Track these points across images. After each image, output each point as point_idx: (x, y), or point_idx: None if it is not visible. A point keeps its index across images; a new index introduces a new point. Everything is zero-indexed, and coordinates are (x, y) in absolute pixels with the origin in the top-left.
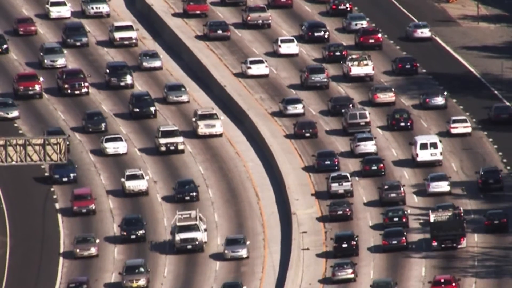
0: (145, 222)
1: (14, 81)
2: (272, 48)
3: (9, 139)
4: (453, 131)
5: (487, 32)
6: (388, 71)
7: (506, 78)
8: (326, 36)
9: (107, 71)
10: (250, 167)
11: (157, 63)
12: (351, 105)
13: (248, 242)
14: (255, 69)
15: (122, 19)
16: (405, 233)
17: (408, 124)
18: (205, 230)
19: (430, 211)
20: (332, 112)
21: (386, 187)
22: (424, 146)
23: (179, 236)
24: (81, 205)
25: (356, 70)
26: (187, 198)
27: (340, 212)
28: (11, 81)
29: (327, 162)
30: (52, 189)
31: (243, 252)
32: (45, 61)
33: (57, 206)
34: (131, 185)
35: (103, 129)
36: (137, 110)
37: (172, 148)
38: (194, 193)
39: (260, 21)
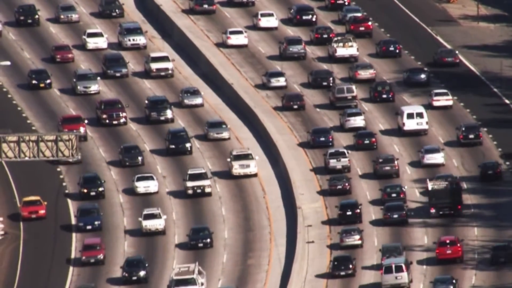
0: (147, 263)
1: (59, 123)
2: (252, 22)
3: (22, 135)
4: (435, 103)
5: (487, 31)
6: (372, 54)
7: (505, 76)
8: (314, 19)
9: (147, 104)
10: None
11: (198, 101)
12: (331, 79)
13: None
14: (234, 39)
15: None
16: (405, 207)
17: (390, 96)
18: (202, 284)
19: (427, 180)
20: (313, 85)
21: (380, 160)
22: (410, 116)
23: None
24: (89, 255)
25: (341, 51)
26: (201, 245)
27: (339, 187)
28: (55, 119)
29: (322, 139)
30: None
31: None
32: (78, 87)
33: (72, 255)
34: (148, 224)
35: (140, 163)
36: (173, 146)
37: (199, 191)
38: (208, 240)
39: None
